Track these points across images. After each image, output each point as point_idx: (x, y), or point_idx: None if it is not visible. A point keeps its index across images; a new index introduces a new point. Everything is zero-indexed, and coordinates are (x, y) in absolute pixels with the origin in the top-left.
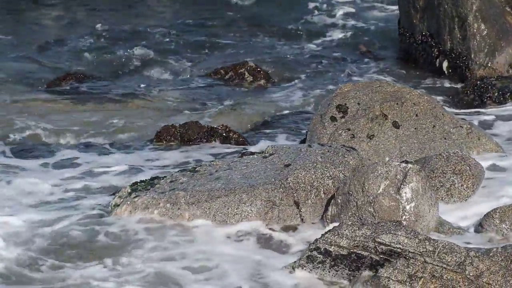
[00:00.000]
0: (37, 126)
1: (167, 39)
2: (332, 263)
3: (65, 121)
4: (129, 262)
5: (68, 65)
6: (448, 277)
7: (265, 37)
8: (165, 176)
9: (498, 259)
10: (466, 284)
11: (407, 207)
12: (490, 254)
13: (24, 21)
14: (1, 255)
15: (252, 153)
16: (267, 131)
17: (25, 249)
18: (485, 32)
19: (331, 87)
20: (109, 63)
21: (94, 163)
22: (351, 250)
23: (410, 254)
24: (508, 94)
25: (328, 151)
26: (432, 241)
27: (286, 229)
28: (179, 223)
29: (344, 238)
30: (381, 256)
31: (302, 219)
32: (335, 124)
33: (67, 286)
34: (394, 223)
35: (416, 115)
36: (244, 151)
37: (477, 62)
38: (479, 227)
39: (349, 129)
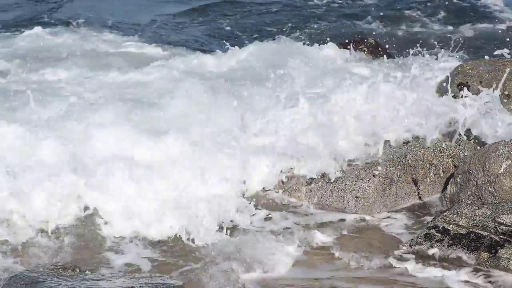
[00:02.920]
0: None
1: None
2: (450, 242)
3: None
4: None
5: None
6: None
7: (382, 21)
8: None
9: None
10: None
11: None
12: None
13: None
14: None
15: None
16: None
17: None
18: None
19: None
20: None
21: None
22: (470, 230)
23: None
24: None
25: None
26: None
27: (403, 206)
28: None
29: (463, 217)
30: (501, 236)
31: (419, 197)
32: None
33: None
34: None
35: None
36: None
37: None
38: None
39: None
